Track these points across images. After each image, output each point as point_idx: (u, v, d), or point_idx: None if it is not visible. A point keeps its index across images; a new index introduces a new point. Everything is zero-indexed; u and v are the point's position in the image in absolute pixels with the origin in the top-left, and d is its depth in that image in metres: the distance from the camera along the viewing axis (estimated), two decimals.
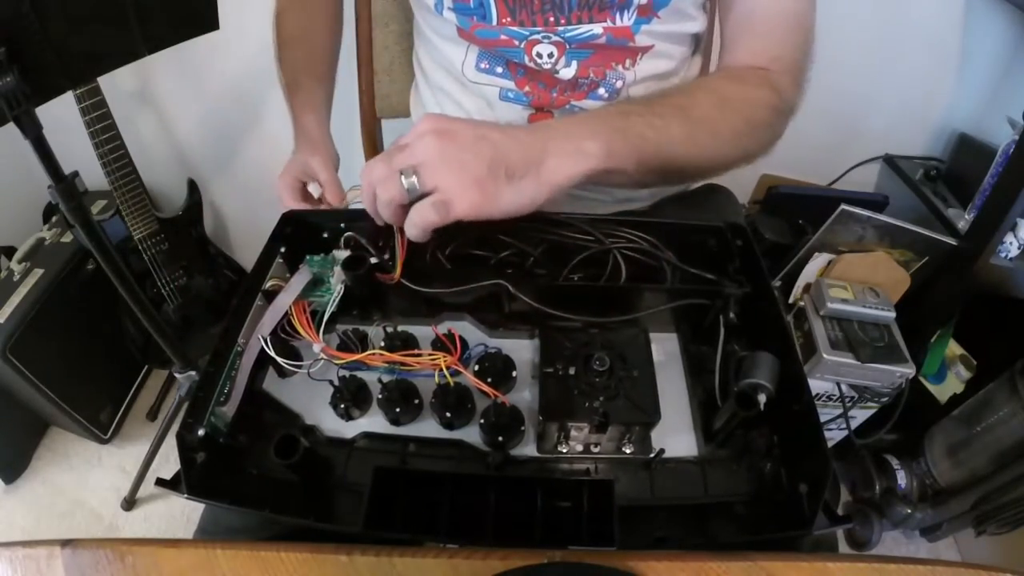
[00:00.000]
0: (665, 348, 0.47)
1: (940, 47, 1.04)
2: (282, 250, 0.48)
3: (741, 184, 1.21)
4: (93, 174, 1.00)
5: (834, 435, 1.10)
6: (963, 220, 0.99)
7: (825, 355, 0.89)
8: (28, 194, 1.23)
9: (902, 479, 1.08)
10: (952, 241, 0.95)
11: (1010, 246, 0.94)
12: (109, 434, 1.25)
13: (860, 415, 1.02)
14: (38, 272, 1.08)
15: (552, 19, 0.54)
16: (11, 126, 0.59)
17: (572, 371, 0.41)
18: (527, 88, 0.61)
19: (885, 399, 0.97)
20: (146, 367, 1.35)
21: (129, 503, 1.16)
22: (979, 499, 0.96)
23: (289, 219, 0.51)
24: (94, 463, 1.24)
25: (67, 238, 1.15)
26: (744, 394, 0.39)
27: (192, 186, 1.21)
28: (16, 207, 1.25)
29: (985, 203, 0.92)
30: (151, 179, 1.16)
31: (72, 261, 1.12)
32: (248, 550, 0.35)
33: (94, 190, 1.16)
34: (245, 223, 1.41)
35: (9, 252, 1.14)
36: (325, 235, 0.51)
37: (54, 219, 1.20)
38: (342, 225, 0.50)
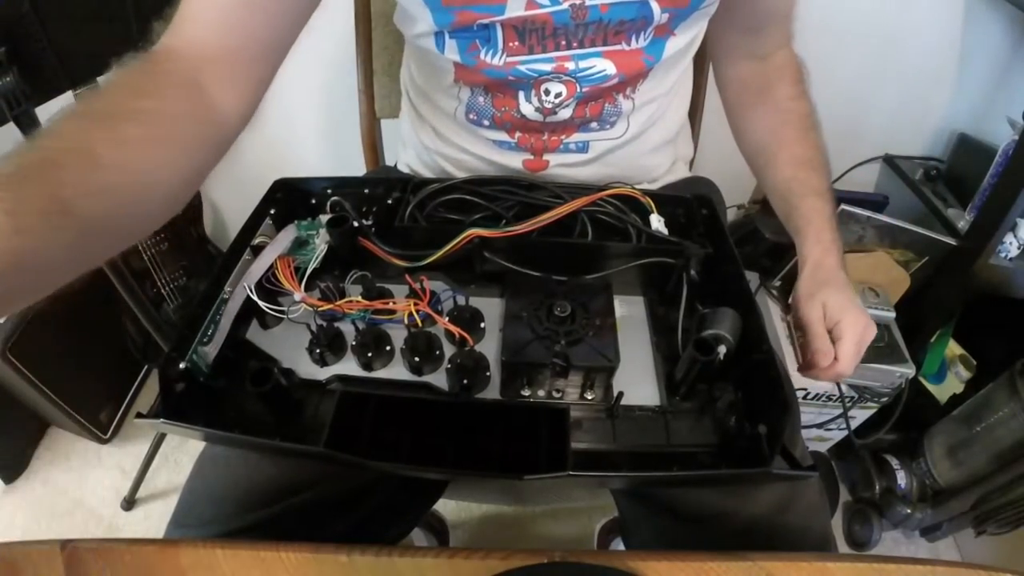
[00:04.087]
0: (632, 310, 0.50)
1: (940, 47, 1.04)
2: (272, 212, 0.51)
3: (741, 184, 1.21)
4: None
5: (834, 435, 1.10)
6: (963, 220, 0.99)
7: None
8: None
9: (902, 479, 1.08)
10: (952, 241, 0.95)
11: (1010, 246, 0.95)
12: (109, 434, 1.25)
13: (860, 415, 1.02)
14: None
15: (564, 43, 0.51)
16: (11, 126, 0.59)
17: (536, 317, 0.43)
18: (518, 136, 0.60)
19: (885, 399, 0.97)
20: (146, 367, 1.35)
21: (129, 503, 1.16)
22: (979, 499, 0.96)
23: (281, 185, 0.53)
24: (94, 463, 1.24)
25: None
26: (703, 341, 0.41)
27: None
28: None
29: (985, 203, 0.92)
30: None
31: None
32: (248, 550, 0.35)
33: None
34: None
35: None
36: (313, 201, 0.53)
37: None
38: (329, 191, 0.53)
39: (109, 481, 1.21)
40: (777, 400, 0.37)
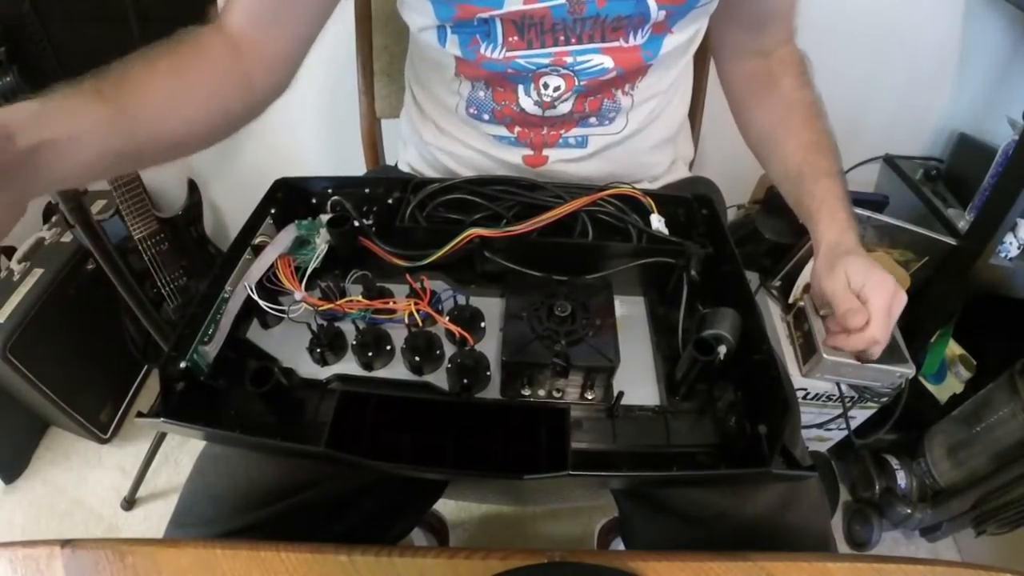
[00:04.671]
0: (632, 310, 0.50)
1: (940, 47, 1.04)
2: (272, 212, 0.51)
3: (741, 184, 1.21)
4: None
5: (834, 435, 1.10)
6: (963, 220, 0.99)
7: (825, 355, 0.89)
8: None
9: (902, 479, 1.08)
10: (952, 241, 0.95)
11: (1010, 246, 0.95)
12: (109, 434, 1.25)
13: (860, 415, 1.02)
14: (38, 272, 1.08)
15: (562, 38, 0.52)
16: None
17: (536, 317, 0.43)
18: (517, 131, 0.60)
19: (885, 399, 0.97)
20: (146, 367, 1.35)
21: (129, 503, 1.16)
22: (979, 499, 0.96)
23: (281, 185, 0.53)
24: (94, 463, 1.24)
25: (67, 238, 1.15)
26: (703, 341, 0.41)
27: (192, 186, 1.21)
28: None
29: (985, 203, 0.92)
30: (151, 179, 1.16)
31: (72, 261, 1.12)
32: (248, 550, 0.35)
33: (94, 190, 1.16)
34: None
35: (9, 252, 1.14)
36: (313, 201, 0.54)
37: (54, 219, 1.20)
38: (329, 191, 0.53)
39: (109, 481, 1.21)
40: (777, 400, 0.37)
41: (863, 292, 0.48)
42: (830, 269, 0.51)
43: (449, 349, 0.45)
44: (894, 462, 1.10)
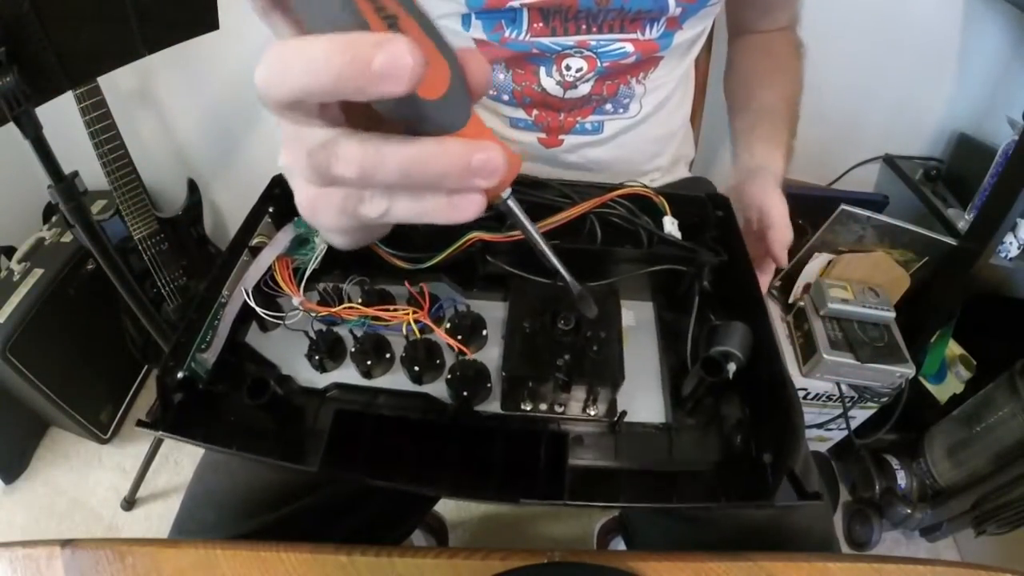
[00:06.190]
0: (639, 316, 0.48)
1: (939, 47, 1.04)
2: (270, 210, 0.50)
3: None
4: (93, 174, 1.00)
5: (834, 435, 1.10)
6: (963, 220, 0.99)
7: (825, 355, 0.89)
8: (28, 194, 1.23)
9: (902, 479, 1.08)
10: (952, 241, 0.95)
11: (1010, 246, 0.95)
12: (109, 434, 1.25)
13: (860, 415, 1.02)
14: (38, 272, 1.08)
15: (584, 27, 0.54)
16: (11, 126, 0.59)
17: (539, 328, 0.42)
18: (535, 114, 0.61)
19: (885, 399, 0.97)
20: (146, 367, 1.35)
21: (129, 503, 1.16)
22: (979, 499, 0.96)
23: (279, 181, 0.52)
24: (94, 463, 1.24)
25: (67, 238, 1.15)
26: (712, 360, 0.39)
27: (192, 186, 1.21)
28: (16, 207, 1.25)
29: (985, 203, 0.92)
30: (151, 179, 1.16)
31: (72, 261, 1.12)
32: (248, 550, 0.35)
33: (94, 190, 1.16)
34: None
35: (9, 252, 1.14)
36: None
37: (54, 219, 1.20)
38: None
39: (109, 481, 1.21)
40: (787, 428, 0.35)
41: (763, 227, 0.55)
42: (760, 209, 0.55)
43: (450, 357, 0.44)
44: (894, 462, 1.10)
